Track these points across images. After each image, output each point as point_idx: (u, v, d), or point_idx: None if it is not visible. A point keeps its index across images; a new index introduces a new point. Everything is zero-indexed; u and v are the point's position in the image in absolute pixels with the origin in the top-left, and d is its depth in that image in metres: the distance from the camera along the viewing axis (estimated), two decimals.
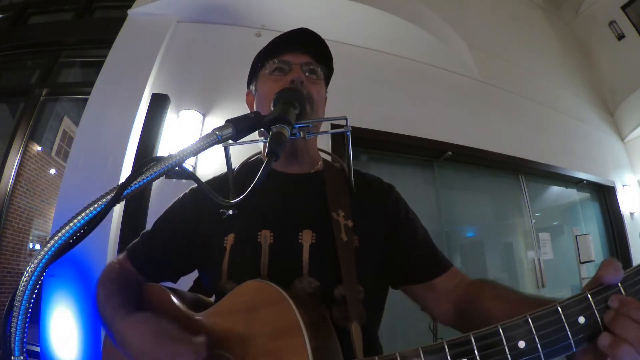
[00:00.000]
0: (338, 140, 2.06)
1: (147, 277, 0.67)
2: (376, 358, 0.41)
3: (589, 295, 0.35)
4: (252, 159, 0.77)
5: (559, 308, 0.35)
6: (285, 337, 0.45)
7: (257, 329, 0.48)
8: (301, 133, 0.58)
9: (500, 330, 0.36)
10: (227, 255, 0.61)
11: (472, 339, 0.36)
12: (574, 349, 0.35)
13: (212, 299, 0.67)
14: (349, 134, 0.63)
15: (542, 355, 0.35)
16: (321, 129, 0.74)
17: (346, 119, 0.61)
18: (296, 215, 0.63)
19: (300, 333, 0.44)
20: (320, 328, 0.49)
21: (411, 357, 0.38)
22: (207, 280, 0.65)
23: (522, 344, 0.35)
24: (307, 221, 0.62)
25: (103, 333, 0.67)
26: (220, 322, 0.53)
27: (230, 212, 0.62)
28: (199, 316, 0.56)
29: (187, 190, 0.72)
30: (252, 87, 0.75)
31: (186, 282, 0.74)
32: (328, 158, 0.79)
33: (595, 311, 0.35)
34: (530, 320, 0.36)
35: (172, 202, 0.73)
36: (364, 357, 0.44)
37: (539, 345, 0.35)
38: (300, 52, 0.68)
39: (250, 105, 0.76)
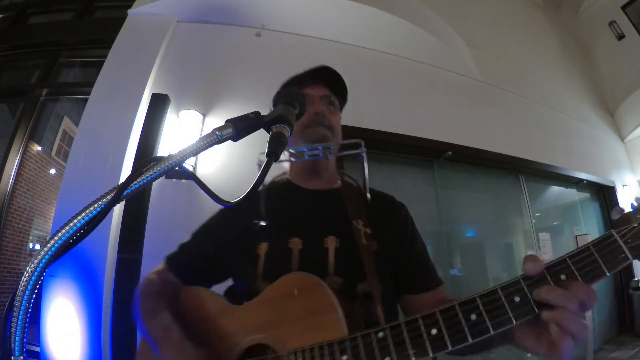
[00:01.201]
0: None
1: (185, 283, 0.75)
2: (401, 321, 0.50)
3: (521, 280, 0.46)
4: (278, 178, 0.86)
5: (499, 289, 0.46)
6: (323, 314, 0.54)
7: (297, 311, 0.57)
8: (324, 154, 0.69)
9: (457, 306, 0.47)
10: (261, 260, 0.69)
11: (437, 313, 0.48)
12: (514, 322, 0.44)
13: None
14: (364, 154, 0.73)
15: (490, 326, 0.45)
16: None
17: (362, 143, 0.73)
18: (321, 224, 0.72)
19: (335, 310, 0.54)
20: (352, 310, 0.58)
21: (429, 317, 0.48)
22: (242, 283, 0.72)
23: (473, 317, 0.46)
24: (331, 228, 0.71)
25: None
26: (263, 308, 0.61)
27: (262, 223, 0.72)
28: (238, 309, 0.64)
29: (222, 207, 0.79)
30: None
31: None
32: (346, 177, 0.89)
33: (527, 292, 0.45)
34: (478, 298, 0.47)
35: (208, 218, 0.82)
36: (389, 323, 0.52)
37: (486, 318, 0.45)
38: (320, 86, 0.79)
39: None
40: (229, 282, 0.78)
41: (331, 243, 0.69)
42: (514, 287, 0.46)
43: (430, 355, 0.47)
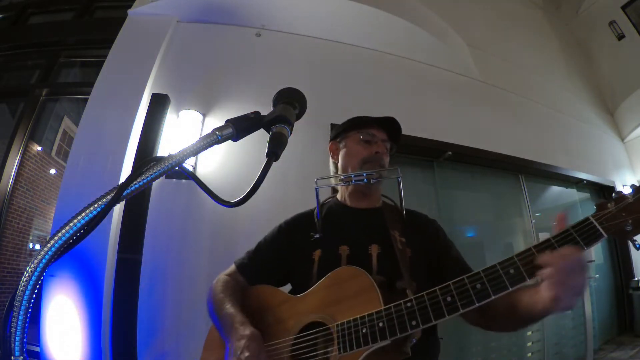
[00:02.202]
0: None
1: (252, 283, 0.90)
2: (424, 293, 0.65)
3: (533, 248, 0.61)
4: (328, 200, 1.01)
5: (497, 264, 0.62)
6: (364, 294, 0.69)
7: (345, 293, 0.72)
8: (368, 179, 0.87)
9: (465, 278, 0.63)
10: (316, 264, 0.84)
11: (451, 285, 0.63)
12: (510, 288, 0.59)
13: None
14: (400, 179, 0.88)
15: (490, 292, 0.60)
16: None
17: (398, 169, 0.87)
18: (366, 235, 0.86)
19: (375, 290, 0.69)
20: (387, 293, 0.70)
21: (444, 288, 0.64)
22: (299, 285, 0.85)
23: (478, 285, 0.61)
24: (374, 239, 0.85)
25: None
26: (318, 294, 0.76)
27: (317, 235, 0.88)
28: (298, 297, 0.79)
29: (283, 222, 0.97)
30: (341, 141, 0.99)
31: None
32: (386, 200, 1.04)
33: (520, 266, 0.60)
34: (481, 272, 0.62)
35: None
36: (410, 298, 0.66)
37: (488, 285, 0.60)
38: (383, 131, 0.96)
39: (333, 153, 1.01)
40: (288, 287, 0.92)
41: (374, 250, 0.83)
42: (508, 262, 0.62)
43: (447, 316, 0.61)
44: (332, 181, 0.96)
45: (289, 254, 0.90)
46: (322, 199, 0.99)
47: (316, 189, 0.91)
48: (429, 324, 0.62)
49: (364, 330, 0.65)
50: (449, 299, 0.61)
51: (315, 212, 0.93)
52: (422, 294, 0.64)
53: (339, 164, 0.96)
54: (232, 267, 0.94)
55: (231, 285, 0.88)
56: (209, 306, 0.85)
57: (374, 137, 0.94)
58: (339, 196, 1.01)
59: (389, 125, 0.96)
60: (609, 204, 0.59)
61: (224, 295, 0.83)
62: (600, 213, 0.59)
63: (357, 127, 0.96)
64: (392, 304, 0.65)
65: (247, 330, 0.70)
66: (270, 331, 0.76)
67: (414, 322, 0.62)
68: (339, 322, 0.69)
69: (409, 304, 0.64)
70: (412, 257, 0.83)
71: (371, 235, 0.86)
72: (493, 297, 0.58)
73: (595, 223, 0.58)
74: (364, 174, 0.87)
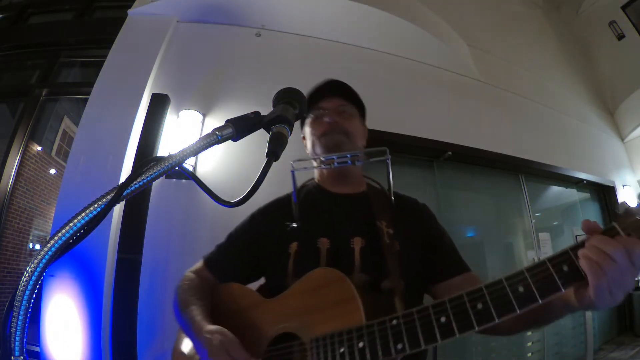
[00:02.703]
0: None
1: (221, 280, 0.82)
2: (413, 310, 0.54)
3: (569, 250, 0.48)
4: (308, 182, 0.92)
5: (547, 261, 0.48)
6: (345, 304, 0.60)
7: (322, 301, 0.62)
8: (352, 161, 0.76)
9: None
10: (292, 258, 0.75)
11: (483, 288, 0.51)
12: (562, 290, 0.46)
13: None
14: (389, 161, 0.77)
15: (537, 296, 0.47)
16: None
17: (387, 150, 0.76)
18: (348, 226, 0.77)
19: (356, 299, 0.59)
20: (371, 300, 0.62)
21: (438, 305, 0.53)
22: (274, 281, 0.79)
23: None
24: (357, 230, 0.76)
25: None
26: (292, 300, 0.67)
27: (294, 224, 0.79)
28: (270, 301, 0.71)
29: (256, 210, 0.89)
30: (306, 130, 0.90)
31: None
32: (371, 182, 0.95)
33: (575, 260, 0.47)
34: (525, 271, 0.49)
35: (243, 219, 0.89)
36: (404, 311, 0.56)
37: (534, 289, 0.47)
38: (334, 98, 0.86)
39: (305, 143, 0.92)
40: (262, 281, 0.84)
41: (357, 243, 0.74)
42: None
43: (439, 341, 0.51)
44: (313, 163, 0.84)
45: (263, 246, 0.81)
46: (300, 183, 0.91)
47: (292, 172, 0.80)
48: (417, 348, 0.52)
49: (341, 350, 0.56)
50: (443, 319, 0.51)
51: (292, 197, 0.82)
52: (411, 310, 0.54)
53: (309, 152, 0.88)
54: (200, 262, 0.85)
55: (196, 284, 0.79)
56: (174, 309, 0.76)
57: (323, 111, 0.85)
58: (317, 178, 0.91)
59: (333, 88, 0.87)
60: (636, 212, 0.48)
61: (188, 296, 0.75)
62: (625, 221, 0.48)
63: (308, 108, 0.84)
64: (375, 321, 0.56)
65: (214, 327, 0.64)
66: (241, 339, 0.66)
67: (399, 346, 0.53)
68: (314, 337, 0.60)
69: (394, 322, 0.54)
70: (401, 251, 0.74)
71: (354, 225, 0.77)
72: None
73: (621, 233, 0.47)
74: (348, 155, 0.76)
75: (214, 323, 0.66)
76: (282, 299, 0.69)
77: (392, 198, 0.84)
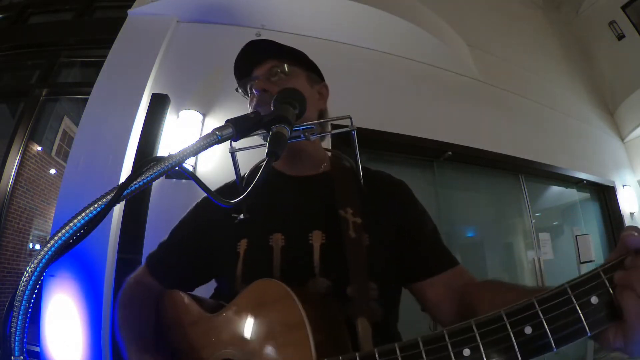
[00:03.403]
0: (339, 140, 2.06)
1: (166, 286, 0.70)
2: (375, 350, 0.39)
3: (601, 272, 0.32)
4: (263, 163, 0.77)
5: (568, 288, 0.32)
6: (292, 330, 0.46)
7: (265, 326, 0.50)
8: (305, 135, 0.59)
9: (504, 316, 0.34)
10: (240, 260, 0.62)
11: (474, 326, 0.35)
12: (589, 334, 0.31)
13: None
14: (354, 133, 0.61)
15: (552, 342, 0.32)
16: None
17: (350, 118, 0.61)
18: (306, 217, 0.64)
19: (303, 327, 0.44)
20: (328, 325, 0.49)
21: (410, 347, 0.36)
22: (224, 285, 0.67)
23: (528, 330, 0.33)
24: (317, 222, 0.63)
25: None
26: (231, 319, 0.55)
27: (242, 216, 0.65)
28: (211, 318, 0.59)
29: (199, 200, 0.76)
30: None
31: (208, 291, 0.75)
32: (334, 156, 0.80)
33: (609, 288, 0.32)
34: (536, 303, 0.33)
35: (185, 213, 0.76)
36: (366, 350, 0.41)
37: (547, 330, 0.32)
38: (263, 62, 0.71)
39: None
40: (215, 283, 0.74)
41: (317, 239, 0.61)
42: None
43: None
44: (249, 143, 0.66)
45: (207, 243, 0.68)
46: (255, 163, 0.76)
47: (232, 154, 0.65)
48: None
49: None
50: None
51: (238, 182, 0.69)
52: (392, 346, 0.37)
53: None
54: (144, 264, 0.73)
55: (138, 295, 0.67)
56: (115, 327, 0.64)
57: (252, 81, 0.71)
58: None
59: (258, 51, 0.72)
60: None
61: (129, 319, 0.64)
62: None
63: (240, 80, 0.75)
64: (336, 359, 0.41)
65: None
66: None
67: None
68: None
69: None
70: (371, 246, 0.61)
71: (313, 216, 0.64)
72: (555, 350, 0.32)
73: None
74: (300, 128, 0.58)
75: (158, 344, 0.60)
76: (224, 317, 0.57)
77: (362, 178, 0.68)
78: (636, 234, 0.32)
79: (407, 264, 0.65)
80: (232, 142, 0.59)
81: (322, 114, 0.75)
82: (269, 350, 0.49)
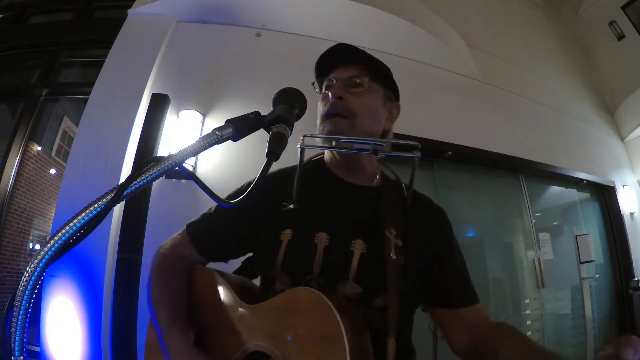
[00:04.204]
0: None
1: (202, 254, 0.73)
2: None
3: None
4: (316, 158, 0.80)
5: None
6: (328, 342, 0.49)
7: (303, 331, 0.53)
8: (374, 150, 0.62)
9: None
10: (283, 248, 0.64)
11: None
12: None
13: (257, 281, 0.72)
14: (417, 159, 0.64)
15: None
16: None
17: (418, 145, 0.63)
18: (352, 224, 0.67)
19: (342, 341, 0.48)
20: (360, 337, 0.53)
21: None
22: (260, 266, 0.71)
23: None
24: (362, 232, 0.66)
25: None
26: (272, 316, 0.58)
27: (291, 206, 0.66)
28: (248, 308, 0.62)
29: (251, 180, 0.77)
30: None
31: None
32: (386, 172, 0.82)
33: None
34: None
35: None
36: None
37: None
38: (344, 66, 0.72)
39: None
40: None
41: (358, 247, 0.64)
42: None
43: None
44: (320, 142, 0.69)
45: (253, 222, 0.70)
46: (308, 157, 0.78)
47: (301, 148, 0.66)
48: None
49: None
50: None
51: (297, 174, 0.68)
52: None
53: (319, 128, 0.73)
54: (182, 232, 0.75)
55: (171, 267, 0.70)
56: (147, 297, 0.68)
57: (332, 81, 0.71)
58: (326, 159, 0.77)
59: (346, 55, 0.71)
60: None
61: (161, 286, 0.68)
62: None
63: (318, 76, 0.75)
64: None
65: (181, 345, 0.60)
66: (209, 343, 0.63)
67: None
68: None
69: None
70: (405, 267, 0.64)
71: (359, 225, 0.67)
72: None
73: None
74: (370, 143, 0.62)
75: (190, 320, 0.64)
76: (263, 310, 0.60)
77: (409, 200, 0.71)
78: (632, 352, 0.37)
79: (431, 290, 0.70)
80: (304, 139, 0.66)
81: (386, 133, 0.77)
82: (305, 354, 0.52)
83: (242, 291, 0.66)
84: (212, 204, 0.75)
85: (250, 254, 0.79)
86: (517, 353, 0.55)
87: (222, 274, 0.71)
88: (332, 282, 0.62)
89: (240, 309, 0.63)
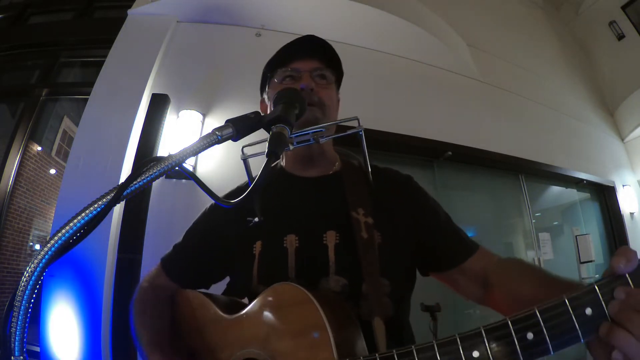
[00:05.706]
0: (344, 141, 2.06)
1: (181, 285, 0.72)
2: (394, 351, 0.42)
3: (596, 287, 0.36)
4: (273, 165, 0.78)
5: (566, 300, 0.36)
6: (312, 332, 0.49)
7: (286, 328, 0.53)
8: (315, 138, 0.60)
9: (509, 323, 0.38)
10: (256, 261, 0.64)
11: (483, 332, 0.38)
12: (582, 340, 0.36)
13: (245, 300, 0.70)
14: (362, 133, 0.63)
15: (550, 347, 0.36)
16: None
17: (357, 119, 0.62)
18: (319, 218, 0.66)
19: (325, 330, 0.47)
20: (345, 325, 0.52)
21: (426, 349, 0.40)
22: (239, 284, 0.69)
23: (530, 336, 0.37)
24: (330, 222, 0.65)
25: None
26: (252, 322, 0.57)
27: (256, 219, 0.66)
28: (231, 319, 0.61)
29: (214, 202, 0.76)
30: (265, 96, 0.77)
31: (219, 287, 0.78)
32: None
33: (602, 302, 0.36)
34: (538, 312, 0.37)
35: (198, 215, 0.77)
36: (386, 350, 0.46)
37: (546, 337, 0.36)
38: (309, 58, 0.70)
39: (265, 113, 0.76)
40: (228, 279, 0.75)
41: (331, 239, 0.63)
42: (585, 298, 0.36)
43: None
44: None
45: (223, 244, 0.69)
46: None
47: (244, 160, 0.66)
48: None
49: None
50: None
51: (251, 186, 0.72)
52: (409, 348, 0.41)
53: None
54: (158, 266, 0.75)
55: (151, 299, 0.70)
56: (131, 324, 0.69)
57: (297, 72, 0.69)
58: (283, 162, 0.76)
59: (311, 46, 0.70)
60: None
61: (143, 319, 0.67)
62: None
63: (275, 67, 0.73)
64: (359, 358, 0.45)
65: None
66: None
67: None
68: None
69: None
70: (384, 243, 0.62)
71: (326, 216, 0.66)
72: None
73: None
74: (309, 132, 0.59)
75: (171, 341, 0.64)
76: (244, 318, 0.59)
77: (370, 177, 0.70)
78: (624, 261, 0.35)
79: (428, 256, 0.68)
80: (243, 150, 0.67)
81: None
82: (291, 350, 0.51)
83: (227, 307, 0.64)
84: (211, 203, 0.75)
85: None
86: (527, 292, 0.54)
87: (207, 294, 0.69)
88: (314, 281, 0.61)
89: (224, 323, 0.61)
